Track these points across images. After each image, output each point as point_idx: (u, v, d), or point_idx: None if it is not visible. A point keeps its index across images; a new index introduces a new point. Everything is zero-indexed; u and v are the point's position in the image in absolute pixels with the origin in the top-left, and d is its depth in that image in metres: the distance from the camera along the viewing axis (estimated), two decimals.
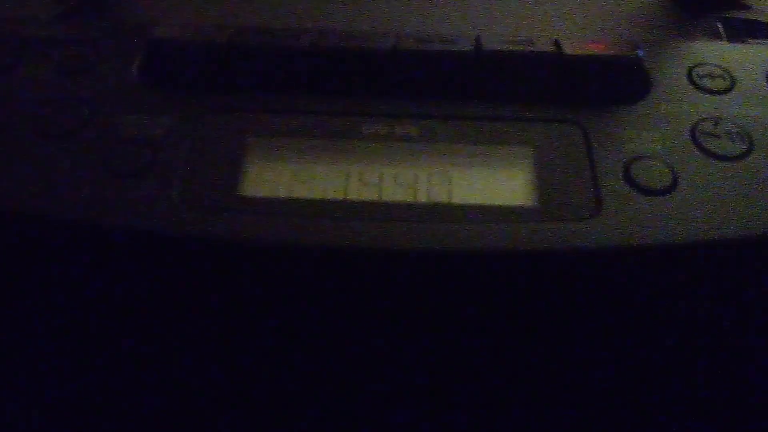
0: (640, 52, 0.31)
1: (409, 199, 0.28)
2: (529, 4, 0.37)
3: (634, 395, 0.31)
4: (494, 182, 0.29)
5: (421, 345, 0.29)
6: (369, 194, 0.28)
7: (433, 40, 0.31)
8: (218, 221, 0.27)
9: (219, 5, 0.37)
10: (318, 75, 0.31)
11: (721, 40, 0.35)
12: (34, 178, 0.28)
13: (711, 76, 0.32)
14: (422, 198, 0.28)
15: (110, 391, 0.30)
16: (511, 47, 0.31)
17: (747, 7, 0.39)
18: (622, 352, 0.29)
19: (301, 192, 0.28)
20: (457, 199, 0.28)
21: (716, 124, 0.30)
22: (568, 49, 0.31)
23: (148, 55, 0.32)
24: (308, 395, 0.30)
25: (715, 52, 0.33)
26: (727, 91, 0.31)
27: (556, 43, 0.31)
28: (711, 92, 0.31)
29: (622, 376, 0.30)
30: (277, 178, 0.29)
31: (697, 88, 0.32)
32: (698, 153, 0.29)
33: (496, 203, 0.28)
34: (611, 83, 0.31)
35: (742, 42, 0.35)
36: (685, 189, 0.28)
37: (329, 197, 0.28)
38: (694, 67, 0.32)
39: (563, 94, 0.31)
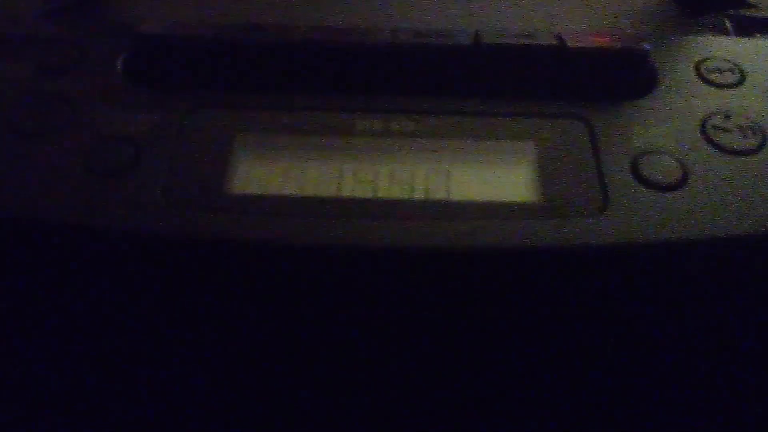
0: (646, 46, 0.30)
1: (406, 196, 0.27)
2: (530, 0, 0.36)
3: (639, 397, 0.29)
4: (496, 178, 0.27)
5: (419, 346, 0.27)
6: (363, 192, 0.27)
7: (431, 35, 0.30)
8: (205, 220, 0.26)
9: (208, 3, 0.36)
10: (311, 71, 0.30)
11: (729, 36, 0.34)
12: (13, 178, 0.27)
13: (720, 70, 0.31)
14: (420, 195, 0.27)
15: (97, 395, 0.28)
16: (511, 41, 0.30)
17: (753, 6, 0.38)
18: (629, 350, 0.28)
19: (292, 189, 0.27)
20: (456, 196, 0.27)
21: (727, 118, 0.29)
22: (572, 42, 0.30)
23: (134, 51, 0.30)
24: (302, 396, 0.28)
25: (724, 47, 0.32)
26: (736, 85, 0.30)
27: (559, 37, 0.30)
28: (720, 86, 0.30)
29: (628, 375, 0.28)
30: (267, 175, 0.27)
31: (705, 82, 0.30)
32: (709, 148, 0.28)
33: (498, 200, 0.27)
34: (616, 77, 0.30)
35: (751, 37, 0.33)
36: (695, 184, 0.27)
37: (322, 195, 0.27)
38: (702, 62, 0.31)
39: (567, 88, 0.30)
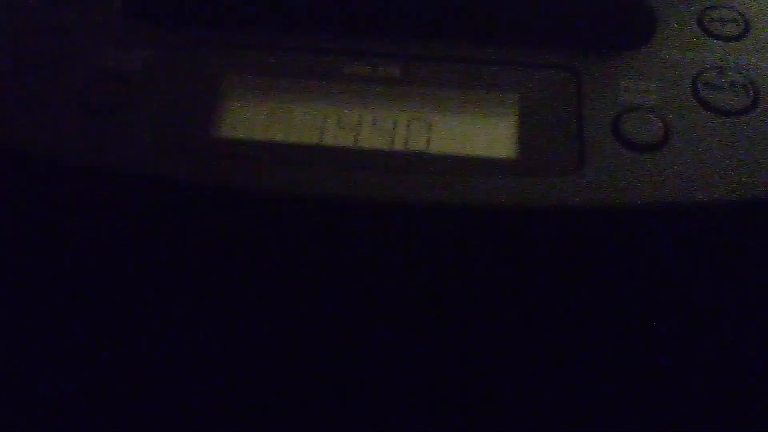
0: None
1: (386, 146, 0.27)
2: None
3: (618, 367, 0.30)
4: (475, 132, 0.27)
5: (394, 302, 0.28)
6: (346, 139, 0.27)
7: None
8: (188, 164, 0.27)
9: None
10: (300, 10, 0.30)
11: None
12: (5, 109, 0.28)
13: (723, 20, 0.30)
14: (400, 145, 0.27)
15: (86, 338, 0.30)
16: None
17: None
18: (604, 316, 0.28)
19: (277, 135, 0.28)
20: (435, 149, 0.27)
21: (720, 74, 0.28)
22: None
23: None
24: (283, 348, 0.30)
25: None
26: (738, 38, 0.29)
27: None
28: (721, 38, 0.29)
29: (604, 342, 0.29)
30: (253, 118, 0.28)
31: (706, 33, 0.29)
32: (696, 106, 0.27)
33: (475, 154, 0.27)
34: (611, 26, 0.29)
35: None
36: (677, 145, 0.27)
37: (305, 141, 0.27)
38: (706, 10, 0.30)
39: (559, 36, 0.29)
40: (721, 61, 0.28)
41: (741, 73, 0.28)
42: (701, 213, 0.26)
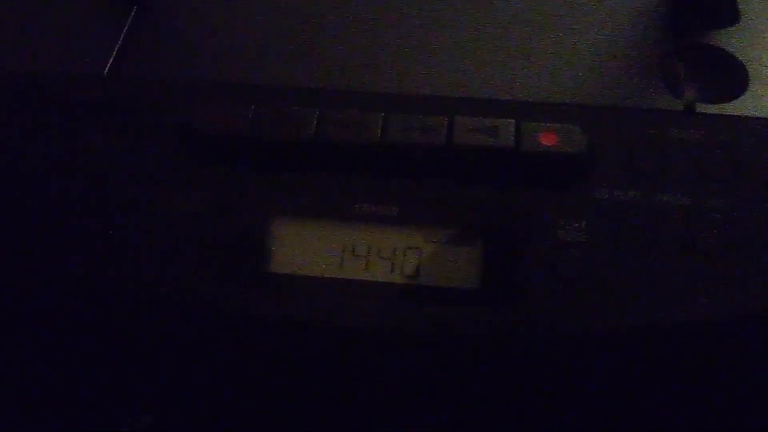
0: (584, 150, 0.37)
1: (387, 274, 0.38)
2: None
3: None
4: (446, 263, 0.38)
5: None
6: (357, 269, 0.38)
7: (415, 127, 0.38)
8: (246, 296, 0.38)
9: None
10: (321, 161, 0.39)
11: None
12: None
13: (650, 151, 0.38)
14: (397, 271, 0.38)
15: None
16: (475, 139, 0.38)
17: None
18: None
19: (309, 267, 0.38)
20: (423, 276, 0.38)
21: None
22: (525, 143, 0.37)
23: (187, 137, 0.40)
24: None
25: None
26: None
27: (517, 128, 0.38)
28: (644, 175, 0.38)
29: None
30: (294, 256, 0.39)
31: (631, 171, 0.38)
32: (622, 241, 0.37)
33: (449, 285, 0.37)
34: (559, 173, 0.38)
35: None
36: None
37: (327, 274, 0.38)
38: (635, 141, 0.38)
39: (519, 178, 0.38)
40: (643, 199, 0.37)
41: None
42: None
